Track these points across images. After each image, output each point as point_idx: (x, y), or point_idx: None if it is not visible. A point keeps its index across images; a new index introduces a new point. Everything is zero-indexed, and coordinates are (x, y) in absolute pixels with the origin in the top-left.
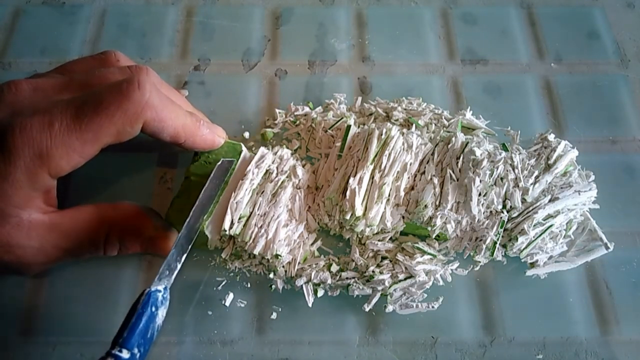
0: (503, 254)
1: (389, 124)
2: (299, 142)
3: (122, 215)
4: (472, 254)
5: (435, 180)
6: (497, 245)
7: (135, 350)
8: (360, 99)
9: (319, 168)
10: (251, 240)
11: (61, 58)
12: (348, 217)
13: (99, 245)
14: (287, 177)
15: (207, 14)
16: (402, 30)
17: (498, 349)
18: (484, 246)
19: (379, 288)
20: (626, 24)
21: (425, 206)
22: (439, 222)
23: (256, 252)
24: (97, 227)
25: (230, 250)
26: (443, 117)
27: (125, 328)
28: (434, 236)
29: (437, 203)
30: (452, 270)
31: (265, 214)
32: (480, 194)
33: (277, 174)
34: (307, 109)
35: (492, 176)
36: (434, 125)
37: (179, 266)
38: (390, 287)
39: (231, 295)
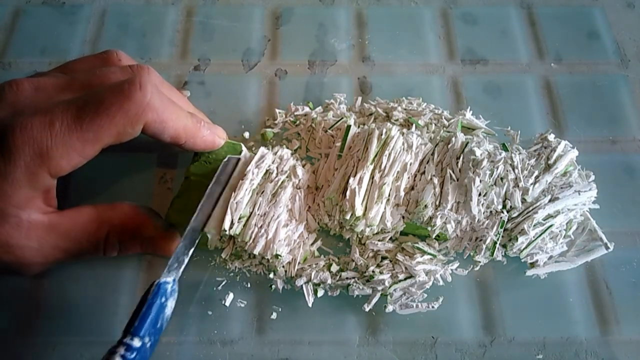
0: (503, 254)
1: (389, 124)
2: (299, 142)
3: (122, 215)
4: (472, 254)
5: (435, 180)
6: (497, 245)
7: (146, 339)
8: (360, 99)
9: (319, 168)
10: (251, 240)
11: (61, 58)
12: (348, 217)
13: (98, 246)
14: (287, 177)
15: (207, 14)
16: (402, 30)
17: (498, 349)
18: (484, 246)
19: (379, 288)
20: (626, 24)
21: (425, 206)
22: (439, 222)
23: (256, 252)
24: (96, 228)
25: (230, 250)
26: (443, 117)
27: (136, 318)
28: (434, 236)
29: (437, 203)
30: (452, 270)
31: (265, 214)
32: (480, 194)
33: (277, 174)
34: (307, 109)
35: (492, 176)
36: (434, 125)
37: (186, 259)
38: (390, 287)
39: (231, 295)
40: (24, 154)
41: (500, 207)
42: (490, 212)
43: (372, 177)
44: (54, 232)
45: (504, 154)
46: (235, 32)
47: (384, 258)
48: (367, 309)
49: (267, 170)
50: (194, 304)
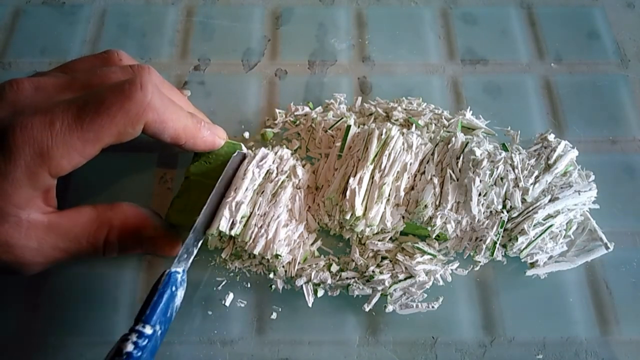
0: (503, 254)
1: (389, 124)
2: (299, 142)
3: (122, 216)
4: (472, 254)
5: (435, 180)
6: (497, 245)
7: (157, 327)
8: (360, 99)
9: (319, 168)
10: (251, 241)
11: (61, 58)
12: (348, 217)
13: (98, 247)
14: (287, 177)
15: (207, 14)
16: (402, 30)
17: (498, 349)
18: (484, 246)
19: (379, 288)
20: (626, 24)
21: (425, 206)
22: (439, 222)
23: (256, 252)
24: (96, 228)
25: (230, 250)
26: (443, 117)
27: (148, 306)
28: (434, 236)
29: (437, 203)
30: (452, 270)
31: (265, 214)
32: (480, 194)
33: (277, 174)
34: (307, 109)
35: (492, 176)
36: (434, 125)
37: (195, 251)
38: (390, 287)
39: (231, 295)
40: (24, 154)
41: (500, 207)
42: (490, 212)
43: (372, 177)
44: (54, 232)
45: (504, 154)
46: (235, 32)
47: (384, 258)
48: (367, 309)
49: (267, 170)
50: (194, 304)
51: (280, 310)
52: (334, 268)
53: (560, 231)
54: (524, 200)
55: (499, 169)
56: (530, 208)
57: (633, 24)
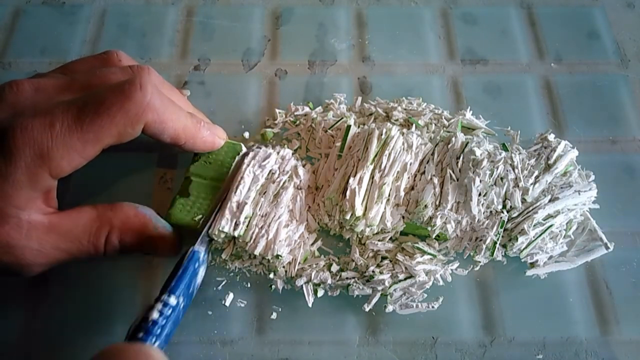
0: (503, 254)
1: (389, 124)
2: (299, 142)
3: (122, 216)
4: (472, 254)
5: (435, 180)
6: (497, 245)
7: (180, 300)
8: (360, 99)
9: (319, 168)
10: (252, 241)
11: (61, 58)
12: (348, 217)
13: (99, 247)
14: (288, 177)
15: (207, 14)
16: (402, 30)
17: (498, 349)
18: (484, 246)
19: (379, 288)
20: (626, 24)
21: (425, 206)
22: (439, 222)
23: (257, 252)
24: (97, 228)
25: (230, 250)
26: (443, 117)
27: (172, 279)
28: (434, 236)
29: (437, 203)
30: (452, 270)
31: (266, 214)
32: (480, 194)
33: (279, 174)
34: (307, 109)
35: (492, 176)
36: (434, 125)
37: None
38: (390, 287)
39: (231, 295)
40: (24, 155)
41: (500, 207)
42: (490, 212)
43: (372, 177)
44: (55, 232)
45: (504, 154)
46: (235, 32)
47: (384, 258)
48: (367, 309)
49: (269, 171)
50: (194, 304)
51: (280, 310)
52: (334, 268)
53: (560, 231)
54: (524, 200)
55: (499, 169)
56: (530, 208)
57: (633, 24)
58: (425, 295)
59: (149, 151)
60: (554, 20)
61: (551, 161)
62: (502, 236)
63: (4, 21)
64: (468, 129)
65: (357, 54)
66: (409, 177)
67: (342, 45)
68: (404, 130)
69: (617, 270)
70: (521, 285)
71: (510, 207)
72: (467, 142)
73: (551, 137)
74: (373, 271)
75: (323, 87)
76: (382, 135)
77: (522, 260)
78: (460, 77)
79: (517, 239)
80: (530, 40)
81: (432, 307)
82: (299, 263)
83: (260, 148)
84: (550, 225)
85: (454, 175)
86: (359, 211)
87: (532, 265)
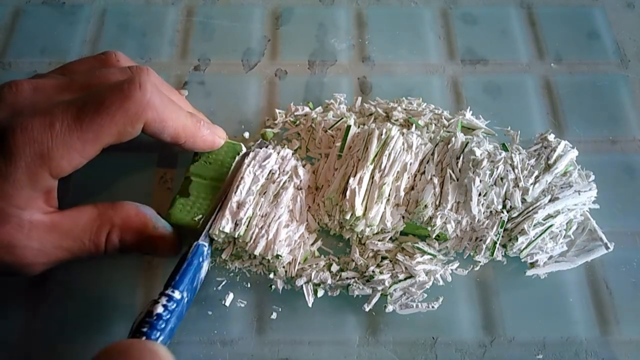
0: (503, 254)
1: (389, 124)
2: (299, 142)
3: (123, 215)
4: (472, 254)
5: (435, 180)
6: (497, 245)
7: (185, 294)
8: (360, 99)
9: (319, 168)
10: (252, 241)
11: (61, 58)
12: (348, 217)
13: (99, 246)
14: (288, 177)
15: (207, 14)
16: (402, 30)
17: (498, 349)
18: (484, 246)
19: (379, 288)
20: (626, 24)
21: (425, 206)
22: (439, 222)
23: (257, 253)
24: (98, 226)
25: (230, 251)
26: (443, 117)
27: (177, 273)
28: (434, 236)
29: (437, 203)
30: (452, 270)
31: (266, 214)
32: (480, 194)
33: (279, 174)
34: (307, 109)
35: (492, 176)
36: (434, 125)
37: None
38: (390, 287)
39: (231, 295)
40: (24, 155)
41: (500, 207)
42: (490, 212)
43: (372, 177)
44: (56, 231)
45: (504, 154)
46: (235, 32)
47: (384, 258)
48: (367, 309)
49: (269, 171)
50: (194, 304)
51: (280, 310)
52: (334, 268)
53: (560, 231)
54: (524, 200)
55: (499, 169)
56: (530, 208)
57: (633, 24)
58: (425, 295)
59: (149, 151)
60: (554, 20)
61: (551, 161)
62: (502, 236)
63: (4, 21)
64: (468, 129)
65: (357, 54)
66: (409, 177)
67: (342, 45)
68: (404, 130)
69: (617, 270)
70: (521, 285)
71: (510, 207)
72: (467, 142)
73: (551, 137)
74: (373, 271)
75: (323, 87)
76: (382, 135)
77: (522, 260)
78: (460, 77)
79: (517, 239)
80: (530, 40)
81: (432, 307)
82: (299, 263)
83: (263, 146)
84: (550, 225)
85: (454, 175)
86: (359, 211)
87: (532, 265)
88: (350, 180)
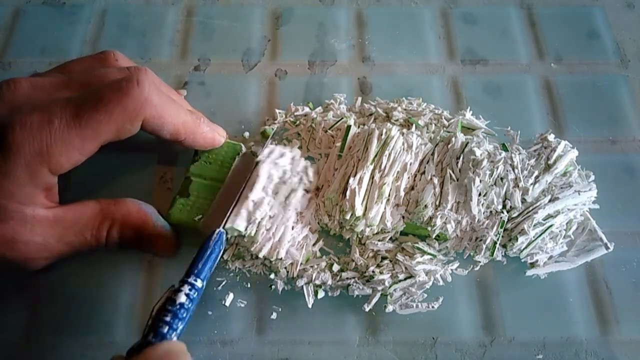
0: (503, 254)
1: (389, 124)
2: (299, 142)
3: (124, 211)
4: (472, 254)
5: (435, 180)
6: (497, 245)
7: (204, 283)
8: (360, 99)
9: (319, 168)
10: (258, 243)
11: (61, 58)
12: (348, 217)
13: (100, 240)
14: (299, 179)
15: (207, 14)
16: (402, 30)
17: (498, 349)
18: (484, 246)
19: (379, 288)
20: (626, 24)
21: (425, 206)
22: (439, 222)
23: (262, 254)
24: (100, 221)
25: (232, 251)
26: (443, 117)
27: (199, 261)
28: (434, 236)
29: (437, 203)
30: (452, 270)
31: (274, 215)
32: (480, 194)
33: (290, 175)
34: (307, 109)
35: (492, 176)
36: (434, 125)
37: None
38: (390, 287)
39: (231, 295)
40: (24, 152)
41: (500, 207)
42: (490, 212)
43: (372, 177)
44: (59, 225)
45: (504, 154)
46: (235, 32)
47: (384, 258)
48: (367, 309)
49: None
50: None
51: (280, 310)
52: (335, 268)
53: (560, 231)
54: (524, 200)
55: (499, 169)
56: (530, 208)
57: (633, 24)
58: (425, 295)
59: (149, 151)
60: (554, 20)
61: (551, 161)
62: (502, 236)
63: (4, 21)
64: (468, 129)
65: (357, 54)
66: (409, 177)
67: (342, 45)
68: (404, 130)
69: (617, 270)
70: (521, 285)
71: (510, 207)
72: (467, 142)
73: (551, 137)
74: (373, 271)
75: (323, 87)
76: (382, 135)
77: (522, 260)
78: (460, 77)
79: (517, 239)
80: (530, 40)
81: (432, 307)
82: (301, 264)
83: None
84: (550, 225)
85: (454, 175)
86: (359, 211)
87: (532, 265)
88: (350, 180)
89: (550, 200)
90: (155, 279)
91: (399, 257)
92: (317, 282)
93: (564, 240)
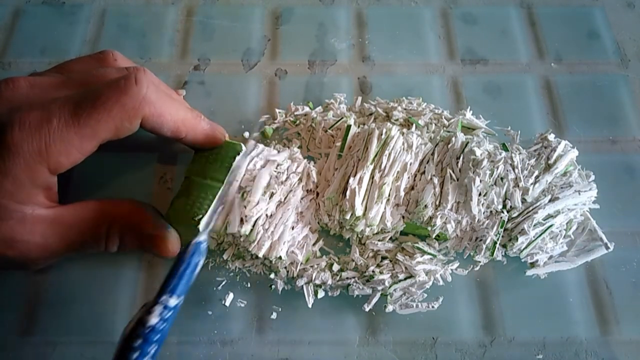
0: (503, 254)
1: (389, 124)
2: (299, 142)
3: (124, 211)
4: (472, 254)
5: (435, 180)
6: (497, 245)
7: (181, 298)
8: (360, 99)
9: (319, 168)
10: (256, 242)
11: (61, 58)
12: (348, 217)
13: (100, 240)
14: (299, 179)
15: (207, 14)
16: (402, 30)
17: (498, 349)
18: (484, 246)
19: (379, 288)
20: (626, 24)
21: (425, 206)
22: (439, 222)
23: (260, 254)
24: (99, 221)
25: (232, 251)
26: (443, 117)
27: (174, 276)
28: (434, 236)
29: (437, 203)
30: (452, 270)
31: (272, 215)
32: (480, 194)
33: (288, 175)
34: (307, 109)
35: (492, 176)
36: (434, 125)
37: (212, 223)
38: (390, 287)
39: (231, 295)
40: (22, 151)
41: (500, 207)
42: (490, 212)
43: (372, 177)
44: (58, 225)
45: (504, 154)
46: (235, 32)
47: (384, 258)
48: (367, 309)
49: (280, 171)
50: (194, 304)
51: (280, 310)
52: (335, 267)
53: (560, 231)
54: (524, 200)
55: (499, 169)
56: (530, 208)
57: (633, 24)
58: (425, 295)
59: (149, 151)
60: (554, 20)
61: (551, 161)
62: (502, 236)
63: (4, 21)
64: (468, 129)
65: (357, 54)
66: (409, 177)
67: (342, 45)
68: (404, 130)
69: (617, 270)
70: (521, 285)
71: (510, 207)
72: (467, 142)
73: (551, 137)
74: (373, 271)
75: (323, 87)
76: (382, 135)
77: (522, 260)
78: (460, 77)
79: (517, 239)
80: (530, 40)
81: (432, 307)
82: (301, 263)
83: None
84: (550, 225)
85: (454, 175)
86: (359, 211)
87: (532, 265)
88: (350, 180)
89: (550, 200)
90: (155, 279)
91: (399, 257)
92: (317, 282)
93: (564, 240)
